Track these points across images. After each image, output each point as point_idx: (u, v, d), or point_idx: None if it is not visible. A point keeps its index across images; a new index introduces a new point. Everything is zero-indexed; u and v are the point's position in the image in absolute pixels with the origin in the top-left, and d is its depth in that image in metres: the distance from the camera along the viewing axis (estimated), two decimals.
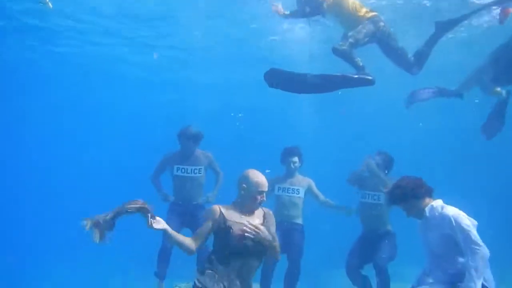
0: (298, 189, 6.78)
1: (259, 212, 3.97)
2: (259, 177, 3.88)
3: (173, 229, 5.78)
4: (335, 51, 5.52)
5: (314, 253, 7.00)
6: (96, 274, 9.97)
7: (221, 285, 3.68)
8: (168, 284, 7.03)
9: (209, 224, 3.81)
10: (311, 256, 6.90)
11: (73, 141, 17.52)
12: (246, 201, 3.89)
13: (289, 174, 6.82)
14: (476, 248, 3.86)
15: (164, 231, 3.66)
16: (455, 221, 3.99)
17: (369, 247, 6.30)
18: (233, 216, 3.83)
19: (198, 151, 6.83)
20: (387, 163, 6.49)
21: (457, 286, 3.92)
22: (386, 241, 6.33)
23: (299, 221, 6.78)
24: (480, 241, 3.91)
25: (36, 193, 15.34)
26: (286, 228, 6.58)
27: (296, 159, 6.83)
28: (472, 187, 12.84)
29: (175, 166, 6.74)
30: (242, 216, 3.85)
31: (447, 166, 15.02)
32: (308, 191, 6.85)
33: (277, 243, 3.84)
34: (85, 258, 9.80)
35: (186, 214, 6.60)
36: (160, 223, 3.60)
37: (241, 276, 3.77)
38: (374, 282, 6.28)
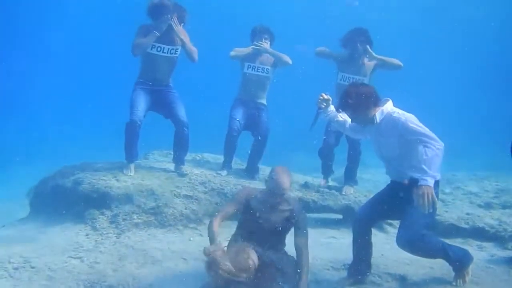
0: (268, 68, 6.85)
1: (285, 211, 4.25)
2: (280, 178, 4.09)
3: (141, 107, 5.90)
4: None
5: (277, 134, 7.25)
6: None
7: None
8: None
9: (236, 207, 4.25)
10: (276, 134, 7.21)
11: None
12: (269, 195, 4.18)
13: (259, 52, 6.83)
14: (431, 143, 3.91)
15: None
16: (407, 123, 4.02)
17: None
18: (258, 204, 4.21)
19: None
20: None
21: (412, 179, 3.95)
22: None
23: (264, 101, 6.98)
24: (435, 136, 3.96)
25: None
26: (252, 107, 6.86)
27: (267, 36, 6.85)
28: None
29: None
30: (270, 206, 4.19)
31: None
32: (275, 63, 6.89)
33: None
34: None
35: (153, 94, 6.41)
36: None
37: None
38: None
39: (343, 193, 6.47)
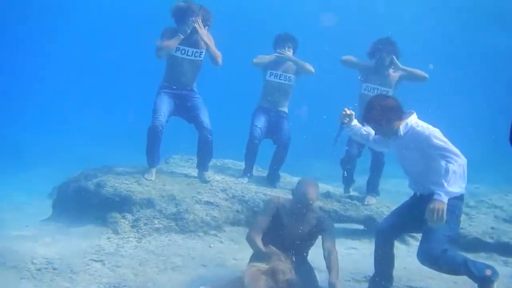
0: (290, 76, 6.84)
1: (312, 218, 4.33)
2: (305, 189, 4.20)
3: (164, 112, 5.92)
4: None
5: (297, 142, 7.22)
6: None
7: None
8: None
9: (269, 219, 4.29)
10: (297, 142, 7.17)
11: None
12: (298, 207, 4.25)
13: (282, 60, 6.82)
14: (453, 158, 3.89)
15: None
16: (431, 137, 4.00)
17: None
18: (288, 217, 4.27)
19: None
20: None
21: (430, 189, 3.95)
22: None
23: (286, 109, 6.95)
24: (457, 152, 3.94)
25: None
26: (274, 115, 6.85)
27: (290, 45, 6.83)
28: None
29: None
30: (296, 218, 4.27)
31: None
32: (298, 71, 6.87)
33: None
34: None
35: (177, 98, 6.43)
36: None
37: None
38: None
39: (365, 203, 6.42)
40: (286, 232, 4.24)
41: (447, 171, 3.85)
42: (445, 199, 3.81)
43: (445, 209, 3.79)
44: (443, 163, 3.90)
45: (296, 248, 4.27)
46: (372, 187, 6.66)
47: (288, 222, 4.25)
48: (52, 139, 14.51)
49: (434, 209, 3.79)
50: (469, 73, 18.98)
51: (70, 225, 5.81)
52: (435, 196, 3.82)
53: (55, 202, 6.55)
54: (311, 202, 4.19)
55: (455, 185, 3.86)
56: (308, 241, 4.36)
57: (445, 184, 3.82)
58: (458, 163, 3.87)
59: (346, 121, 4.62)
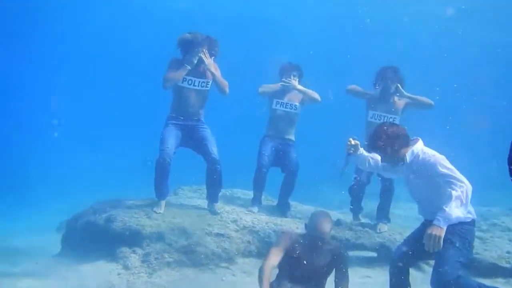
0: (296, 104, 6.86)
1: (327, 251, 4.27)
2: (319, 223, 4.20)
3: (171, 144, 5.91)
4: None
5: (308, 166, 7.20)
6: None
7: None
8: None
9: (282, 253, 4.21)
10: (304, 169, 7.15)
11: None
12: (310, 239, 4.22)
13: (288, 89, 6.85)
14: (459, 184, 3.89)
15: None
16: (436, 165, 4.03)
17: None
18: (303, 251, 4.21)
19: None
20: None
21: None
22: None
23: (292, 137, 6.95)
24: (463, 178, 3.95)
25: None
26: (281, 143, 6.85)
27: (296, 73, 6.87)
28: None
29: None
30: (311, 251, 4.22)
31: None
32: (304, 100, 6.91)
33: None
34: None
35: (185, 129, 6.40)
36: None
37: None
38: None
39: (378, 231, 6.34)
40: (302, 267, 4.17)
41: (449, 197, 3.87)
42: (444, 224, 3.84)
43: (442, 235, 3.82)
44: (447, 190, 3.91)
45: (313, 283, 4.22)
46: (382, 214, 6.58)
47: (304, 256, 4.19)
48: (61, 171, 14.54)
49: (431, 235, 3.83)
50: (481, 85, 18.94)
51: (80, 261, 5.74)
52: (434, 222, 3.87)
53: (64, 237, 6.52)
54: (325, 236, 4.16)
55: (456, 210, 3.86)
56: (325, 274, 4.31)
57: (446, 210, 3.84)
58: (461, 189, 3.88)
59: (352, 151, 4.62)
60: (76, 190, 11.47)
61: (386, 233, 6.30)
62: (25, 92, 21.85)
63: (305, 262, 4.17)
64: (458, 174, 3.97)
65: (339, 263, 4.26)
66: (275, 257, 4.19)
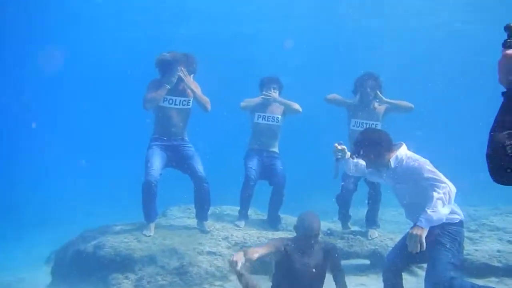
0: (278, 117, 6.88)
1: (318, 250, 4.29)
2: (308, 221, 4.21)
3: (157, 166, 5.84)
4: None
5: (294, 177, 7.21)
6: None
7: None
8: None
9: (270, 249, 4.12)
10: (291, 180, 7.15)
11: None
12: (303, 240, 4.21)
13: (268, 102, 6.88)
14: (441, 186, 3.92)
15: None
16: (420, 169, 4.06)
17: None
18: (295, 254, 4.19)
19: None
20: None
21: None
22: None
23: (276, 149, 6.98)
24: (446, 180, 3.97)
25: None
26: (266, 156, 6.87)
27: (276, 86, 6.92)
28: None
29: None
30: (303, 253, 4.21)
31: None
32: (285, 111, 6.94)
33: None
34: None
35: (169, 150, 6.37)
36: None
37: None
38: None
39: (369, 237, 6.36)
40: (297, 271, 4.16)
41: (430, 199, 3.89)
42: (425, 225, 3.84)
43: (423, 235, 3.82)
44: (431, 192, 3.94)
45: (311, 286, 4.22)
46: (372, 221, 6.60)
47: (297, 259, 4.18)
48: (47, 201, 14.31)
49: (412, 235, 3.84)
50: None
51: None
52: (417, 223, 3.87)
53: (54, 268, 6.41)
54: (316, 233, 4.18)
55: (438, 212, 3.87)
56: (321, 275, 4.30)
57: (428, 211, 3.86)
58: (444, 191, 3.90)
59: (339, 156, 4.64)
60: (64, 219, 11.29)
61: (378, 239, 6.32)
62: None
63: (299, 263, 4.15)
64: (441, 177, 4.00)
65: (333, 257, 4.30)
66: (262, 248, 4.13)
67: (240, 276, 3.82)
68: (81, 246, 6.06)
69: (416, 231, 3.83)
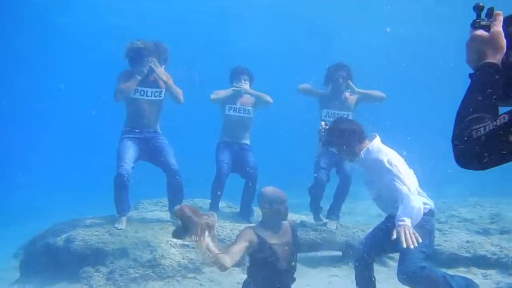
0: (249, 109, 6.85)
1: (286, 227, 4.14)
2: (274, 191, 4.02)
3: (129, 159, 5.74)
4: None
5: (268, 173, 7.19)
6: None
7: None
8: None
9: (244, 244, 3.86)
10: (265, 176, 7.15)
11: None
12: (272, 217, 4.04)
13: (239, 93, 6.84)
14: (403, 180, 3.94)
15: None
16: (386, 161, 4.06)
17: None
18: (268, 237, 3.99)
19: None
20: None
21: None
22: None
23: (248, 141, 6.94)
24: (406, 174, 4.02)
25: None
26: (237, 149, 6.83)
27: (246, 77, 6.89)
28: None
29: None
30: (274, 234, 4.04)
31: None
32: (256, 103, 6.91)
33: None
34: None
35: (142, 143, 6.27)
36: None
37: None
38: None
39: (328, 228, 6.38)
40: (273, 254, 3.99)
41: (400, 193, 3.89)
42: (408, 221, 3.78)
43: (410, 225, 3.77)
44: (396, 186, 3.94)
45: (291, 268, 4.13)
46: (333, 211, 6.62)
47: (271, 242, 4.00)
48: (13, 194, 13.98)
49: (401, 233, 3.73)
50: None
51: (41, 286, 5.54)
52: (399, 223, 3.79)
53: (22, 263, 6.25)
54: (283, 199, 4.00)
55: (412, 203, 3.85)
56: (294, 252, 4.17)
57: (401, 208, 3.83)
58: (405, 192, 3.89)
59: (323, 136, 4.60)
60: (32, 213, 11.03)
61: (350, 231, 6.39)
62: None
63: (272, 243, 3.98)
64: (402, 170, 4.02)
65: (295, 233, 4.22)
66: (237, 247, 3.83)
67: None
68: (50, 240, 5.93)
69: (403, 228, 3.75)
